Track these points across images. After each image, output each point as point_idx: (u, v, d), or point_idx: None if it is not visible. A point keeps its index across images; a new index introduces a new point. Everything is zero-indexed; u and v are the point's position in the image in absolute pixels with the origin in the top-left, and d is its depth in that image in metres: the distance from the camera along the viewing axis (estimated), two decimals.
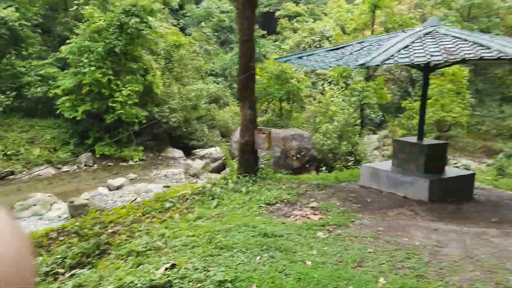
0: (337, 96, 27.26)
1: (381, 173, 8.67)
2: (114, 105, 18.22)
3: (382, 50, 7.13)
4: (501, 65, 39.33)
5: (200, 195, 7.51)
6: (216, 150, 21.00)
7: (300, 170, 19.82)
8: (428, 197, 7.86)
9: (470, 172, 9.47)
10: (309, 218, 6.33)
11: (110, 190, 16.04)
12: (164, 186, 12.17)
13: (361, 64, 6.78)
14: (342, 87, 28.63)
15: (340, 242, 5.49)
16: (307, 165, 21.30)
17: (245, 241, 5.00)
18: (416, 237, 6.04)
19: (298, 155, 20.44)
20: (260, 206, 6.63)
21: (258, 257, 4.59)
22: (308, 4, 40.48)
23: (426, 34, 7.61)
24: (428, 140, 9.59)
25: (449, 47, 6.69)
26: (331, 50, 7.97)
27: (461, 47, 6.71)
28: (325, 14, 39.15)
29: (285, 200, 6.98)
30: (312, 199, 7.32)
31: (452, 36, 7.31)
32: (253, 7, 7.52)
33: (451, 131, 27.87)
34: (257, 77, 22.13)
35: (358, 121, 25.20)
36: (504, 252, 5.53)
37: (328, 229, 5.96)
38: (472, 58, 6.27)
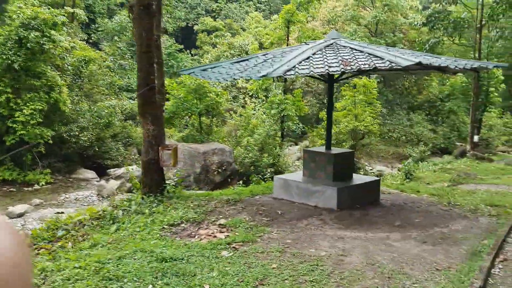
0: (257, 109, 27.60)
1: (292, 184, 8.66)
2: (14, 125, 16.62)
3: (284, 61, 7.14)
4: (407, 78, 42.69)
5: (100, 220, 6.88)
6: (133, 169, 19.99)
7: (222, 184, 19.47)
8: (336, 205, 7.96)
9: (376, 178, 9.84)
10: (215, 236, 6.03)
11: (10, 218, 14.44)
12: (57, 213, 11.15)
13: (263, 76, 6.71)
14: (262, 100, 29.06)
15: (245, 259, 5.25)
16: (229, 179, 21.04)
17: (138, 269, 4.56)
18: (323, 247, 6.01)
19: (219, 170, 20.17)
20: (163, 228, 6.21)
21: (150, 286, 4.18)
22: (226, 19, 40.83)
23: (326, 47, 7.78)
24: (335, 149, 9.83)
25: (347, 58, 6.86)
26: (236, 62, 7.85)
27: (357, 58, 6.92)
28: (243, 29, 39.73)
29: (191, 219, 6.63)
30: (221, 216, 7.04)
31: (350, 48, 7.55)
32: (150, 16, 7.16)
33: (366, 139, 29.28)
34: (174, 91, 21.79)
35: (279, 133, 25.66)
36: (404, 256, 5.66)
37: (234, 247, 5.70)
38: (367, 69, 6.46)
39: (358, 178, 9.14)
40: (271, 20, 36.76)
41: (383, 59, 6.64)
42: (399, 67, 6.38)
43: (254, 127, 23.77)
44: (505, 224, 7.19)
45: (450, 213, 8.33)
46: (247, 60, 7.91)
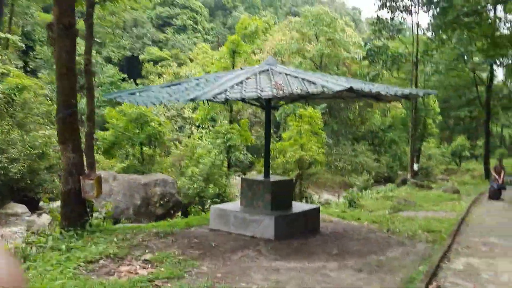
0: (204, 139, 27.15)
1: (230, 213, 8.26)
2: None
3: (216, 85, 6.89)
4: (350, 109, 44.26)
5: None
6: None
7: (164, 217, 18.56)
8: (274, 235, 7.63)
9: (316, 206, 9.66)
10: (137, 273, 5.45)
11: None
12: None
13: (192, 99, 6.40)
14: (209, 130, 28.71)
15: None
16: (172, 212, 20.18)
17: None
18: (255, 280, 5.60)
19: (161, 202, 19.32)
20: (78, 266, 5.54)
21: None
22: (172, 49, 40.70)
23: (261, 72, 7.65)
24: (274, 177, 9.59)
25: (280, 83, 6.72)
26: (166, 86, 7.50)
27: (290, 83, 6.80)
28: (191, 60, 39.75)
29: (112, 255, 6.00)
30: (147, 250, 6.46)
31: (286, 74, 7.45)
32: (72, 36, 6.70)
33: (312, 168, 29.46)
34: (114, 120, 20.94)
35: (225, 163, 25.27)
36: (339, 286, 5.39)
37: (156, 284, 5.16)
38: (300, 93, 6.35)
39: (298, 206, 8.91)
40: (219, 51, 37.15)
41: (315, 83, 6.57)
42: (331, 92, 6.31)
43: (199, 157, 23.25)
44: (440, 249, 7.17)
45: (389, 240, 8.26)
46: (178, 84, 7.58)
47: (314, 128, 27.27)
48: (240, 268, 6.10)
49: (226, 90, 6.47)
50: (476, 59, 27.79)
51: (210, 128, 28.36)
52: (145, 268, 5.63)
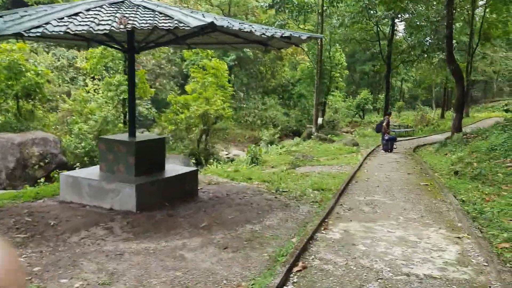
0: (98, 92, 24.39)
1: (83, 182, 6.77)
2: None
3: (40, 16, 5.15)
4: (261, 61, 43.34)
5: None
6: None
7: (46, 180, 16.32)
8: (136, 206, 6.36)
9: (193, 169, 8.52)
10: None
11: None
12: None
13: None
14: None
15: None
16: (56, 175, 17.91)
17: None
18: (85, 272, 4.33)
19: (41, 163, 16.96)
20: None
21: None
22: None
23: (113, 4, 5.99)
24: (142, 136, 8.20)
25: (126, 17, 5.18)
26: None
27: (142, 17, 5.30)
28: None
29: None
30: None
31: (143, 7, 5.90)
32: None
33: (221, 123, 28.29)
34: None
35: (122, 119, 23.06)
36: (190, 275, 4.32)
37: None
38: (144, 27, 4.90)
39: (171, 170, 7.66)
40: None
41: (172, 18, 5.16)
42: (189, 28, 4.95)
43: (90, 112, 20.80)
44: (320, 214, 6.47)
45: (273, 202, 7.43)
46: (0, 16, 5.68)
47: (220, 81, 25.86)
48: (72, 255, 4.76)
49: (48, 23, 4.79)
50: (379, 13, 28.00)
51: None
52: None
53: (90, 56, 22.28)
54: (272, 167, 15.94)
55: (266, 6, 25.45)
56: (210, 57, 25.43)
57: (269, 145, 25.60)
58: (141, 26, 4.81)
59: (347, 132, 37.19)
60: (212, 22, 4.81)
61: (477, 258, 4.80)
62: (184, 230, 5.74)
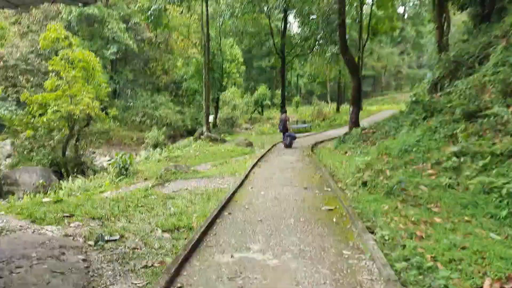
0: None
1: None
2: None
3: None
4: (148, 56, 39.08)
5: None
6: None
7: None
8: None
9: None
10: None
11: None
12: None
13: None
14: None
15: None
16: None
17: None
18: None
19: None
20: None
21: None
22: None
23: None
24: None
25: None
26: None
27: None
28: None
29: None
30: None
31: None
32: None
33: (95, 125, 23.70)
34: None
35: None
36: None
37: None
38: None
39: None
40: None
41: None
42: None
43: None
44: None
45: (68, 277, 4.09)
46: None
47: (90, 75, 21.45)
48: None
49: None
50: (270, 4, 25.97)
51: None
52: None
53: None
54: (145, 179, 12.59)
55: None
56: (72, 47, 20.93)
57: (152, 149, 21.98)
58: None
59: (246, 129, 34.84)
60: None
61: None
62: None
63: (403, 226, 5.49)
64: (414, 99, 11.34)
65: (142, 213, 6.63)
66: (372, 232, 5.31)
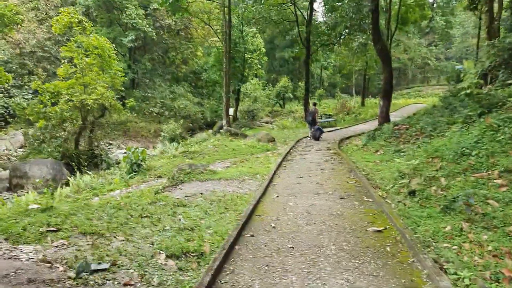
0: None
1: None
2: None
3: None
4: (167, 44, 37.95)
5: None
6: None
7: None
8: None
9: None
10: None
11: None
12: None
13: None
14: None
15: None
16: None
17: None
18: None
19: None
20: None
21: None
22: None
23: None
24: None
25: None
26: None
27: None
28: None
29: None
30: None
31: None
32: None
33: (110, 116, 22.79)
34: None
35: None
36: None
37: None
38: None
39: None
40: None
41: None
42: None
43: None
44: None
45: None
46: None
47: (105, 64, 20.43)
48: None
49: None
50: None
51: None
52: None
53: None
54: (159, 176, 11.44)
55: None
56: (88, 32, 19.88)
57: (168, 142, 20.89)
58: None
59: (267, 123, 33.45)
60: None
61: None
62: None
63: (480, 260, 4.13)
64: (468, 91, 9.76)
65: (145, 227, 5.42)
66: (441, 268, 3.97)
